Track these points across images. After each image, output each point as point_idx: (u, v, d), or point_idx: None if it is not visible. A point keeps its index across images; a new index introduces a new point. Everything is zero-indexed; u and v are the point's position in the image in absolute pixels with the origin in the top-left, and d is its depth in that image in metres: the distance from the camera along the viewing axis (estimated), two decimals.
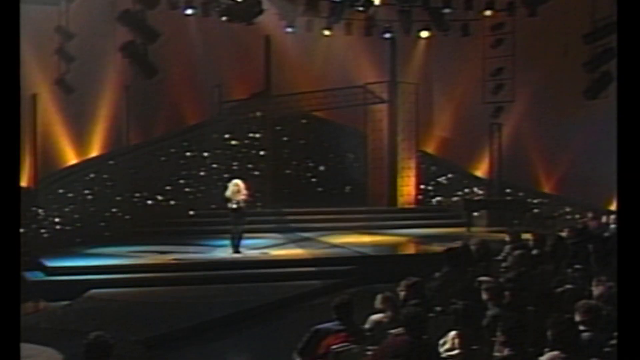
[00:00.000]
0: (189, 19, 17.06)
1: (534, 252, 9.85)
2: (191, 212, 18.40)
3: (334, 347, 5.83)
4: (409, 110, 20.93)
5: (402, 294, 7.14)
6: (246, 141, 19.87)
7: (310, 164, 21.60)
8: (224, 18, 16.18)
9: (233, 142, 19.57)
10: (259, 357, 10.25)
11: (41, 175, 15.34)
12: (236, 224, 14.65)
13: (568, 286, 7.52)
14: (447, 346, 6.02)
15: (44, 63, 15.41)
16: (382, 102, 20.76)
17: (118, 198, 17.19)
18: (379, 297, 6.79)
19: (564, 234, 10.91)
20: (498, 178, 20.04)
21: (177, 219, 18.18)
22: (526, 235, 11.53)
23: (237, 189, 14.52)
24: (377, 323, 6.47)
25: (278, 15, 17.12)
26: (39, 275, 13.37)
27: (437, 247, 13.27)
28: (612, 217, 14.52)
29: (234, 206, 14.46)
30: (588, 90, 15.53)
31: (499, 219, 18.60)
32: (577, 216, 18.16)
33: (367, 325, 6.47)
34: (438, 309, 6.86)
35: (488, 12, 17.53)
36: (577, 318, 5.83)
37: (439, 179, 21.14)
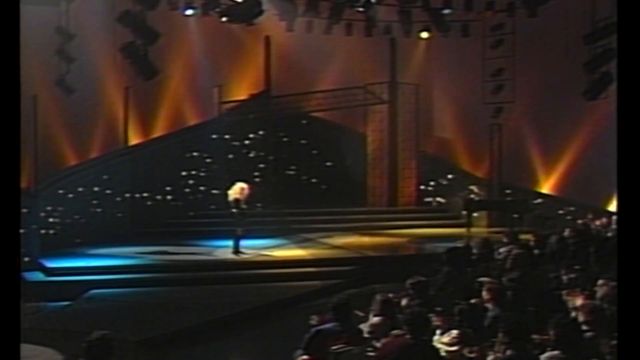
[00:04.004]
0: (189, 19, 17.08)
1: (535, 252, 9.84)
2: (191, 213, 18.39)
3: (335, 348, 5.83)
4: (409, 110, 20.93)
5: (408, 292, 7.16)
6: (246, 142, 19.88)
7: (310, 165, 21.59)
8: (224, 19, 16.19)
9: (233, 143, 19.57)
10: (259, 358, 10.26)
11: (41, 176, 15.34)
12: (238, 225, 14.66)
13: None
14: (445, 341, 6.03)
15: (44, 64, 15.42)
16: (382, 102, 20.76)
17: (118, 198, 17.19)
18: (375, 298, 6.78)
19: (564, 234, 10.90)
20: (498, 178, 20.04)
21: (177, 219, 18.18)
22: (526, 236, 11.53)
23: (240, 191, 14.55)
24: (375, 326, 6.46)
25: (278, 16, 17.12)
26: (39, 276, 13.39)
27: (437, 248, 13.27)
28: (613, 217, 14.52)
29: (236, 209, 14.48)
30: (588, 90, 15.54)
31: (499, 219, 18.59)
32: (577, 216, 18.15)
33: (365, 328, 6.47)
34: (438, 309, 6.85)
35: (488, 13, 17.52)
36: (581, 318, 5.84)
37: (439, 179, 21.13)
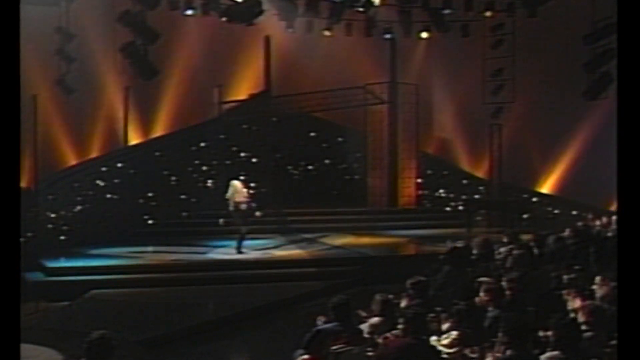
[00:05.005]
0: (189, 19, 17.06)
1: (535, 252, 9.85)
2: (191, 213, 18.38)
3: (335, 347, 5.83)
4: (409, 110, 20.92)
5: (408, 292, 7.17)
6: (246, 141, 19.87)
7: (311, 165, 21.59)
8: (224, 19, 16.19)
9: (233, 143, 19.57)
10: (259, 358, 10.26)
11: (41, 176, 15.34)
12: (238, 224, 14.66)
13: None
14: (445, 342, 6.03)
15: (44, 64, 15.40)
16: (382, 102, 20.75)
17: (118, 198, 17.19)
18: (375, 299, 6.78)
19: (564, 234, 10.90)
20: (498, 178, 20.04)
21: (177, 219, 18.18)
22: (526, 236, 11.53)
23: (235, 190, 14.55)
24: (375, 326, 6.47)
25: (278, 16, 17.11)
26: (39, 276, 13.37)
27: (438, 248, 13.27)
28: (613, 217, 14.52)
29: (233, 208, 14.49)
30: (588, 91, 15.55)
31: (499, 219, 18.60)
32: (577, 216, 18.16)
33: (365, 329, 6.47)
34: (438, 309, 6.87)
35: (488, 13, 17.53)
36: (581, 319, 5.83)
37: (439, 180, 21.13)
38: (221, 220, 14.62)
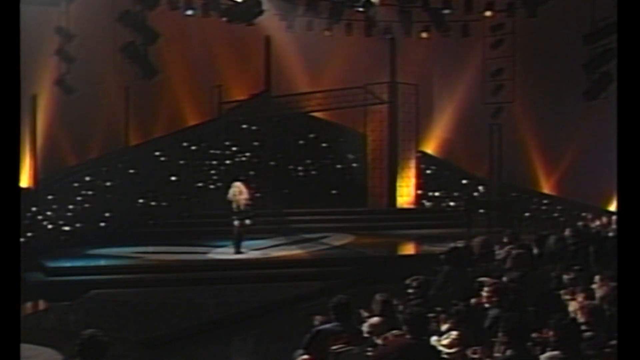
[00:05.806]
0: (189, 19, 17.07)
1: (535, 252, 9.84)
2: (190, 213, 18.39)
3: (335, 347, 5.83)
4: (409, 110, 20.93)
5: (409, 291, 7.17)
6: (246, 141, 19.87)
7: (311, 165, 21.59)
8: (224, 19, 16.19)
9: (233, 143, 19.57)
10: (259, 358, 10.26)
11: (41, 176, 15.35)
12: (238, 225, 14.68)
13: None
14: (445, 342, 6.03)
15: (44, 64, 15.42)
16: (382, 102, 20.75)
17: (118, 198, 17.19)
18: (375, 299, 6.77)
19: (564, 234, 10.89)
20: (498, 178, 20.04)
21: (177, 219, 18.18)
22: (527, 236, 11.53)
23: (238, 190, 14.57)
24: (375, 326, 6.46)
25: (278, 16, 17.13)
26: (39, 276, 13.38)
27: (437, 248, 13.25)
28: (613, 217, 14.53)
29: (235, 208, 14.51)
30: (588, 90, 15.55)
31: (499, 219, 18.60)
32: (576, 216, 18.16)
33: (365, 329, 6.46)
34: (438, 309, 6.86)
35: (488, 13, 17.54)
36: (581, 319, 5.83)
37: (439, 180, 21.12)
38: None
